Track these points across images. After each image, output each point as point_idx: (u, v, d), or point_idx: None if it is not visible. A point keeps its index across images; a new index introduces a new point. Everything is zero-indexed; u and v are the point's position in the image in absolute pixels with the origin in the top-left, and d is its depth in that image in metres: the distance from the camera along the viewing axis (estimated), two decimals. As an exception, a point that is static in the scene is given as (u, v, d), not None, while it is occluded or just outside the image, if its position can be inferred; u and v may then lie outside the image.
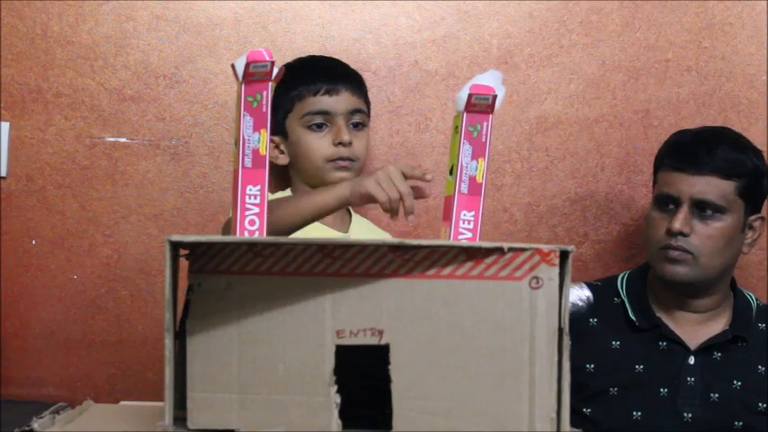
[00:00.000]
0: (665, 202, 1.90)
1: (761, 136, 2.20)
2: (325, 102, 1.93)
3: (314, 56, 2.09)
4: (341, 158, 1.92)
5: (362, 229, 2.02)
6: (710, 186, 1.86)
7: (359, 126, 1.96)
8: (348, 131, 1.92)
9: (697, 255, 1.86)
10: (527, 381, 1.17)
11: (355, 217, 2.05)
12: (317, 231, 1.90)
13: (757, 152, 1.93)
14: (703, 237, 1.86)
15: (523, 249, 1.17)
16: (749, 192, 1.89)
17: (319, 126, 1.93)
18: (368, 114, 2.02)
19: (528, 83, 2.21)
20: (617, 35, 2.22)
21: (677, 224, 1.85)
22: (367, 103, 2.02)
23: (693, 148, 1.90)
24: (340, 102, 1.94)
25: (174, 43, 2.18)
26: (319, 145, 1.92)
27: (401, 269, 1.18)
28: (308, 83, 1.94)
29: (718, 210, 1.86)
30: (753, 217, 1.92)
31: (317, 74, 1.96)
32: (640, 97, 2.22)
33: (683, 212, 1.86)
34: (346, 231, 1.99)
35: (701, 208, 1.86)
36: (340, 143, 1.91)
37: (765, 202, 1.98)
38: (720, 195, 1.86)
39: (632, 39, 2.22)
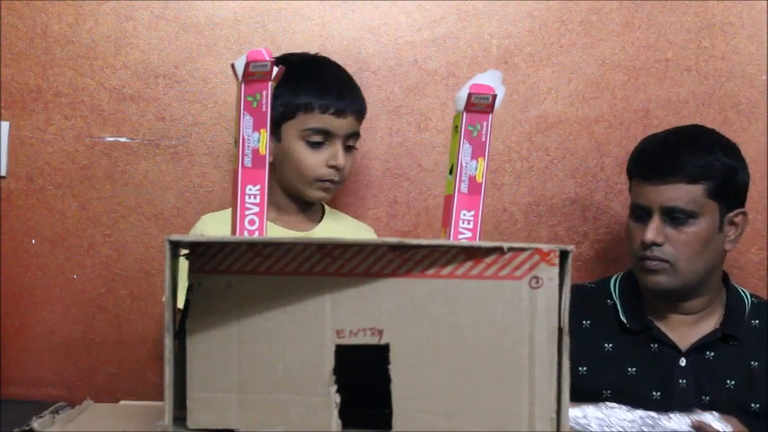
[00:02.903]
0: (638, 213, 1.90)
1: (761, 136, 2.20)
2: (331, 122, 1.90)
3: (325, 62, 2.01)
4: (330, 180, 1.92)
5: (337, 226, 2.02)
6: (678, 193, 1.85)
7: (350, 149, 1.95)
8: (344, 156, 1.91)
9: (674, 262, 1.86)
10: (527, 381, 1.17)
11: (330, 214, 2.04)
12: (273, 233, 1.90)
13: (728, 149, 1.91)
14: (678, 243, 1.85)
15: (523, 249, 1.17)
16: (721, 191, 1.87)
17: (318, 144, 1.90)
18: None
19: (528, 83, 2.21)
20: (617, 35, 2.22)
21: (649, 235, 1.85)
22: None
23: (658, 157, 1.89)
24: (344, 125, 1.91)
25: (173, 43, 2.18)
26: (314, 163, 1.90)
27: (401, 269, 1.18)
28: (320, 97, 1.90)
29: (690, 215, 1.85)
30: (732, 213, 1.90)
31: (330, 90, 1.91)
32: (640, 97, 2.22)
33: (655, 222, 1.85)
34: (310, 230, 1.99)
35: (672, 215, 1.85)
36: (334, 166, 1.90)
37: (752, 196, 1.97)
38: (689, 200, 1.85)
39: (632, 39, 2.22)
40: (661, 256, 1.86)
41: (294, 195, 1.96)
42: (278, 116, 1.87)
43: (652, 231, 1.85)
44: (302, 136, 1.90)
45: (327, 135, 1.90)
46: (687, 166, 1.85)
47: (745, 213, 1.93)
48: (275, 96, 1.86)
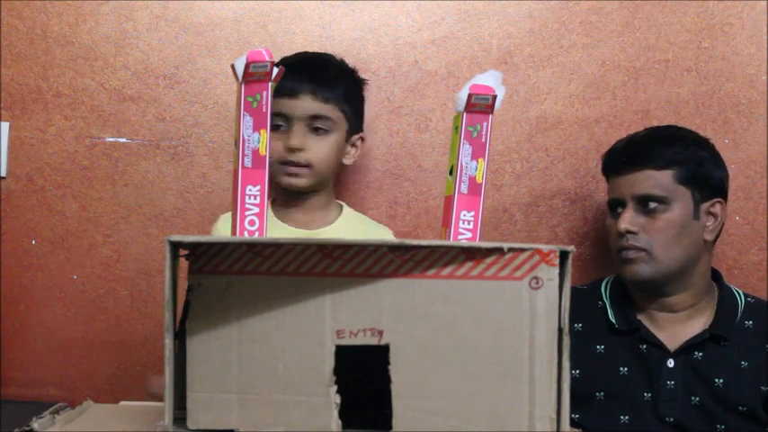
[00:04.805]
0: (615, 208, 1.94)
1: (761, 136, 2.20)
2: (284, 104, 1.90)
3: (304, 53, 2.04)
4: (290, 163, 1.91)
5: (350, 227, 2.01)
6: (648, 180, 1.88)
7: (320, 131, 1.93)
8: (302, 136, 1.91)
9: (650, 249, 1.87)
10: (527, 381, 1.17)
11: (347, 214, 2.03)
12: (279, 230, 1.90)
13: (699, 141, 1.94)
14: (652, 231, 1.88)
15: (523, 249, 1.17)
16: (692, 178, 1.89)
17: (279, 127, 1.90)
18: (343, 120, 1.96)
19: (528, 83, 2.21)
20: (617, 35, 2.22)
21: (623, 224, 1.88)
22: (345, 108, 1.96)
23: (627, 150, 1.94)
24: (299, 106, 1.91)
25: (173, 43, 2.18)
26: (274, 147, 1.89)
27: (401, 269, 1.18)
28: (279, 82, 1.93)
29: (662, 201, 1.88)
30: (708, 203, 1.91)
31: (286, 74, 1.93)
32: (640, 97, 2.22)
33: (628, 212, 1.89)
34: (319, 230, 1.98)
35: (644, 203, 1.88)
36: (289, 148, 1.90)
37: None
38: (659, 186, 1.88)
39: (632, 39, 2.22)
40: (637, 244, 1.88)
41: (284, 190, 1.97)
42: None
43: (625, 220, 1.88)
44: (272, 123, 1.91)
45: (285, 118, 1.91)
46: (655, 153, 1.89)
47: (722, 203, 1.93)
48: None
